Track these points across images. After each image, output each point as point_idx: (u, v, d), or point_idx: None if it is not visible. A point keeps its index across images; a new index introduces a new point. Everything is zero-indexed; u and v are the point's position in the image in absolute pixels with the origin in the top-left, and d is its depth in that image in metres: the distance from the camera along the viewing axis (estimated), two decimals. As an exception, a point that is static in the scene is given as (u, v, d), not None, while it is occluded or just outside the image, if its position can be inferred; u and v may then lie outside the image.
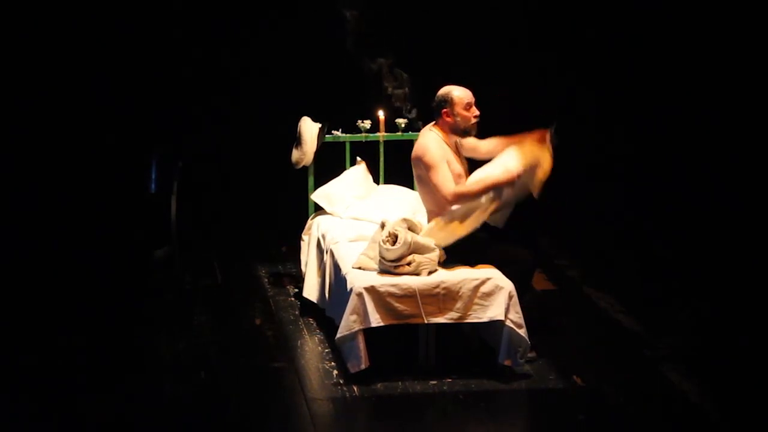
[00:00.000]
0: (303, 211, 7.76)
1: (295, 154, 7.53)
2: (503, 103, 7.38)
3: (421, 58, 7.83)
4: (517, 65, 9.06)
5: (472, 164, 6.76)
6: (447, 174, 6.51)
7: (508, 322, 6.29)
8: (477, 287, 6.30)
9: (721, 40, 8.73)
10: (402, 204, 7.41)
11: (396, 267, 6.34)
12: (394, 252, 6.32)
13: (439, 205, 6.59)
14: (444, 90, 6.69)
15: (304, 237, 7.60)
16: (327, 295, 6.95)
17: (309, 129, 7.52)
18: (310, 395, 6.15)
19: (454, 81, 6.76)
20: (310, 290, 7.30)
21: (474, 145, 6.78)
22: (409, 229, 6.45)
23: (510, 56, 9.04)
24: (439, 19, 8.92)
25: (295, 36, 8.92)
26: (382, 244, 6.37)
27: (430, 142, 6.62)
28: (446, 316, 6.30)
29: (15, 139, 8.37)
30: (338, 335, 6.26)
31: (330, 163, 7.77)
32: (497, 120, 6.80)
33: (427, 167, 6.53)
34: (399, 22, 8.47)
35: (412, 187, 7.69)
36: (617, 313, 7.42)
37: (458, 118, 6.65)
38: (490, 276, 6.35)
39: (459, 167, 6.66)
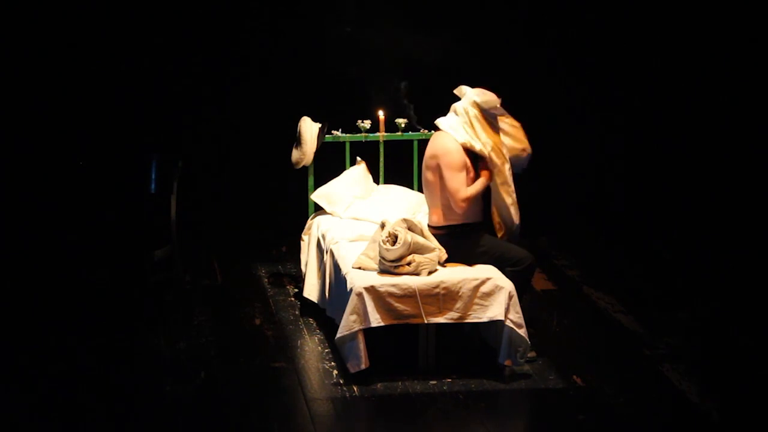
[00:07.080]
0: (303, 211, 7.75)
1: (295, 154, 7.52)
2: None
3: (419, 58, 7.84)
4: (516, 64, 9.06)
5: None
6: (463, 180, 6.50)
7: (508, 322, 6.29)
8: (477, 287, 6.30)
9: (720, 39, 8.74)
10: (402, 204, 7.41)
11: (396, 267, 6.33)
12: (394, 252, 6.31)
13: (449, 203, 6.55)
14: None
15: (304, 237, 7.59)
16: (327, 295, 6.95)
17: (309, 129, 7.51)
18: (310, 395, 6.15)
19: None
20: (310, 290, 7.30)
21: None
22: (409, 229, 6.44)
23: (508, 55, 9.03)
24: (436, 17, 8.91)
25: (296, 36, 8.91)
26: (382, 244, 6.36)
27: (451, 143, 6.56)
28: (446, 316, 6.30)
29: (14, 139, 8.36)
30: (338, 335, 6.26)
31: (330, 163, 7.77)
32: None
33: (446, 168, 6.49)
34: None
35: (412, 187, 7.70)
36: (617, 313, 7.42)
37: None
38: (490, 276, 6.34)
39: (472, 170, 6.63)
